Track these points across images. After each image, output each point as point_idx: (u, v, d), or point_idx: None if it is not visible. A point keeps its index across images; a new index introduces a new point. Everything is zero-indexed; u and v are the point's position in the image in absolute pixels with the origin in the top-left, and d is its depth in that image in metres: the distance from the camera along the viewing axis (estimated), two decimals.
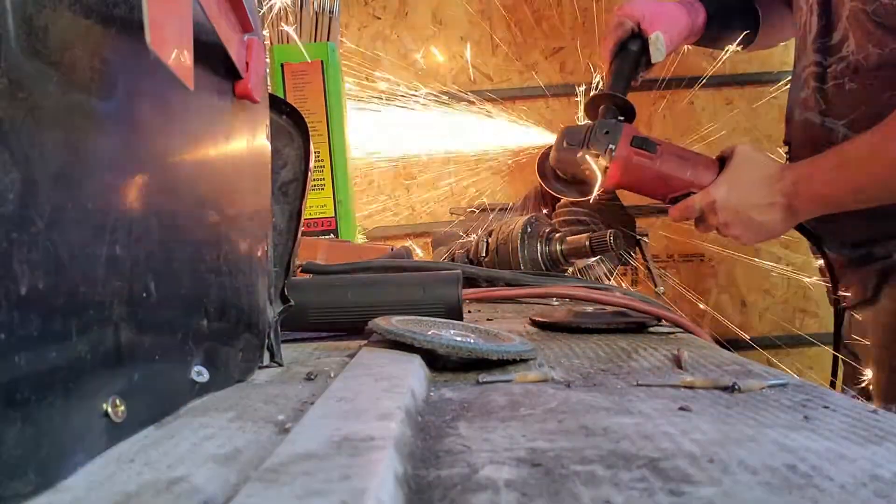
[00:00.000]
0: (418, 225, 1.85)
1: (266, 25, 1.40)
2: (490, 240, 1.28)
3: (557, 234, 1.25)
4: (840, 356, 1.11)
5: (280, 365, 0.52)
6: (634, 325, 0.69)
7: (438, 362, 0.50)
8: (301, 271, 0.84)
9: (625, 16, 1.16)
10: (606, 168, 1.06)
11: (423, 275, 0.72)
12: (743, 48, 1.32)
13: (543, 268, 1.23)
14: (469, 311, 0.86)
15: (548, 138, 1.48)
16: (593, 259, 1.27)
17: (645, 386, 0.44)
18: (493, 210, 1.59)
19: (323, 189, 1.36)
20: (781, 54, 1.78)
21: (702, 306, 1.71)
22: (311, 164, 0.58)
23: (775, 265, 1.75)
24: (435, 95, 1.71)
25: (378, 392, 0.37)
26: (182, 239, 0.39)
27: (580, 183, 1.14)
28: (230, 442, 0.33)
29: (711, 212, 1.03)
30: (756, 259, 1.77)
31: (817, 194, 0.97)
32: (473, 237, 1.38)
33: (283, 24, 1.38)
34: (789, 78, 1.19)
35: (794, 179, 0.98)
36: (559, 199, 1.46)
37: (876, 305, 1.04)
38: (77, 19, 0.29)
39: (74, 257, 0.28)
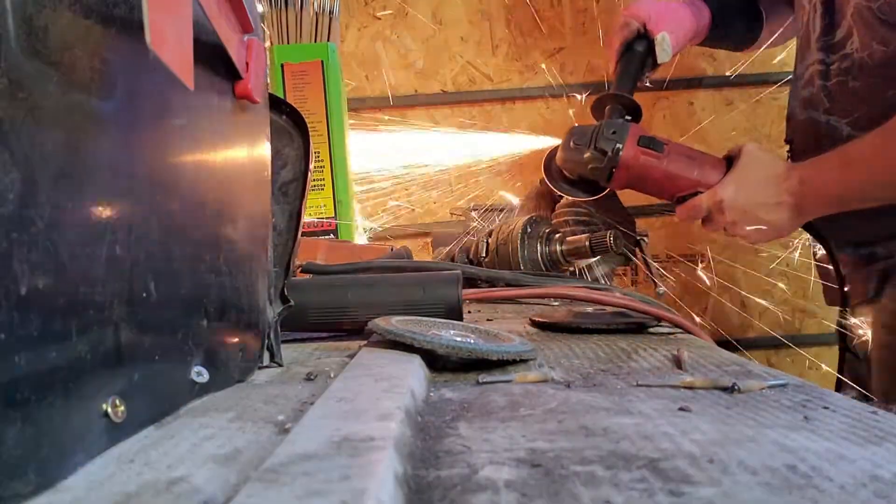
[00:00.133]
0: (418, 225, 1.85)
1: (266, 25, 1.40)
2: (490, 240, 1.28)
3: (557, 235, 1.25)
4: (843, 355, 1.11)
5: (280, 365, 0.52)
6: (634, 326, 0.69)
7: (438, 362, 0.50)
8: (301, 271, 0.84)
9: (630, 16, 1.16)
10: (613, 168, 1.06)
11: (423, 275, 0.72)
12: (746, 48, 1.32)
13: (543, 268, 1.23)
14: (469, 312, 0.86)
15: (544, 142, 1.48)
16: (594, 259, 1.27)
17: (645, 386, 0.44)
18: (493, 210, 1.59)
19: (323, 189, 1.36)
20: (782, 55, 1.78)
21: (702, 305, 1.71)
22: (311, 165, 0.58)
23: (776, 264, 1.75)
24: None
25: (378, 392, 0.37)
26: (182, 239, 0.39)
27: (587, 183, 1.14)
28: (230, 442, 0.33)
29: (719, 211, 1.02)
30: (756, 259, 1.77)
31: (824, 193, 0.97)
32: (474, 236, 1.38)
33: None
34: (789, 78, 1.19)
35: (801, 178, 0.98)
36: (559, 200, 1.46)
37: (877, 305, 1.04)
38: (77, 19, 0.29)
39: (74, 257, 0.28)
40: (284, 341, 0.57)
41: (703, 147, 1.21)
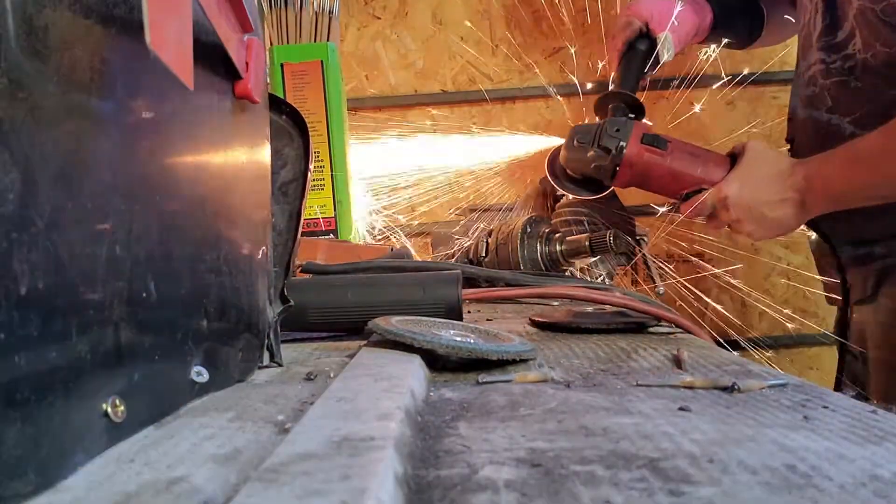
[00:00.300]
0: (418, 225, 1.84)
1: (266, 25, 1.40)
2: (490, 240, 1.28)
3: (557, 235, 1.25)
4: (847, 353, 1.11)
5: (280, 365, 0.52)
6: (634, 326, 0.69)
7: (438, 362, 0.50)
8: (301, 271, 0.84)
9: (633, 15, 1.16)
10: (617, 166, 1.06)
11: (423, 275, 0.72)
12: (748, 47, 1.32)
13: (543, 268, 1.23)
14: (469, 312, 0.86)
15: (544, 143, 1.48)
16: (593, 259, 1.27)
17: (645, 386, 0.44)
18: (492, 210, 1.59)
19: (323, 189, 1.36)
20: (781, 54, 1.78)
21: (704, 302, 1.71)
22: (311, 164, 0.58)
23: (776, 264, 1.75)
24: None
25: (378, 392, 0.37)
26: (182, 239, 0.39)
27: (591, 181, 1.14)
28: (230, 442, 0.33)
29: (723, 208, 1.02)
30: (756, 259, 1.77)
31: (830, 190, 0.97)
32: (474, 236, 1.38)
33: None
34: (790, 77, 1.19)
35: (805, 175, 0.98)
36: (559, 199, 1.46)
37: (875, 304, 1.04)
38: (77, 19, 0.29)
39: (74, 257, 0.28)
40: (284, 341, 0.57)
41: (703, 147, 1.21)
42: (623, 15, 1.18)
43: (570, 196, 1.35)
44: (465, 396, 0.42)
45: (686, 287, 1.69)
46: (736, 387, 0.42)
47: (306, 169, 0.58)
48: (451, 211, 1.71)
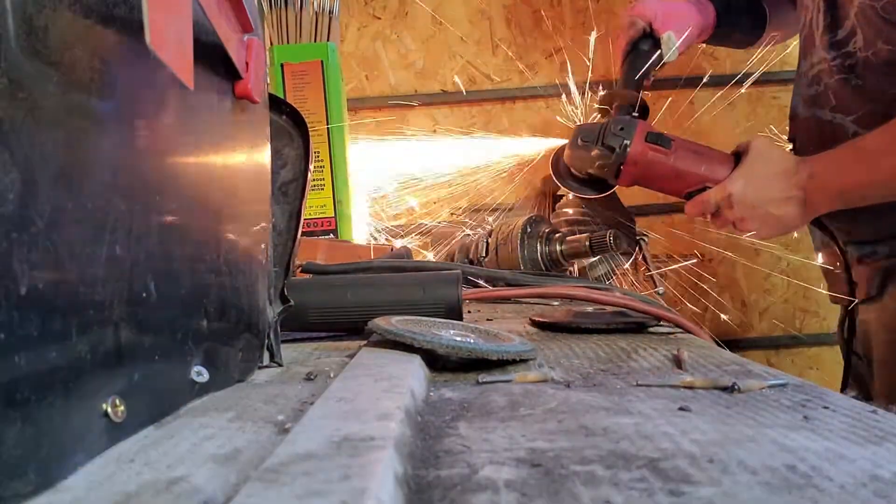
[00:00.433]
0: (418, 225, 1.84)
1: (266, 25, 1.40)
2: (490, 240, 1.28)
3: (557, 235, 1.25)
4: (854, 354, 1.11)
5: (280, 365, 0.52)
6: (634, 326, 0.69)
7: (438, 362, 0.50)
8: (301, 271, 0.84)
9: (637, 15, 1.16)
10: (621, 164, 1.06)
11: (423, 275, 0.72)
12: (751, 46, 1.32)
13: (543, 268, 1.23)
14: (469, 311, 0.86)
15: (544, 143, 1.48)
16: (593, 259, 1.27)
17: (645, 386, 0.44)
18: (492, 211, 1.59)
19: (323, 189, 1.36)
20: (782, 53, 1.78)
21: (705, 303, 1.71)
22: (311, 165, 0.58)
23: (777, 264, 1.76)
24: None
25: (378, 392, 0.37)
26: (182, 239, 0.39)
27: (595, 180, 1.14)
28: (230, 442, 0.33)
29: (727, 206, 1.02)
30: (756, 259, 1.77)
31: (835, 188, 0.97)
32: (473, 236, 1.38)
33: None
34: (790, 77, 1.19)
35: (810, 173, 0.97)
36: (559, 199, 1.46)
37: (880, 303, 1.03)
38: (77, 19, 0.29)
39: (74, 257, 0.28)
40: (284, 341, 0.57)
41: None
42: (627, 15, 1.18)
43: (571, 196, 1.35)
44: (465, 396, 0.42)
45: (686, 287, 1.69)
46: (736, 387, 0.42)
47: (306, 169, 0.58)
48: (450, 211, 1.70)
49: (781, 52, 1.75)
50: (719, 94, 1.78)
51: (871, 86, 0.98)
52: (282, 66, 1.35)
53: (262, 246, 0.51)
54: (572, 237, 1.23)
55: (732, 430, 0.34)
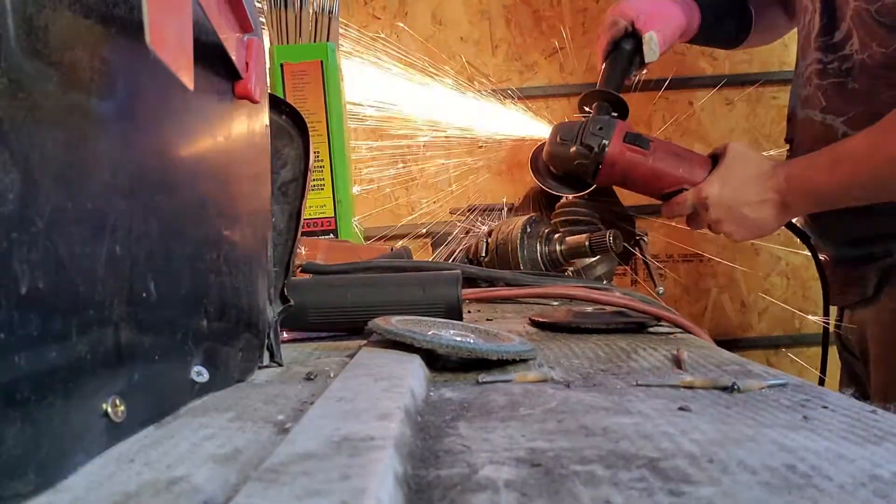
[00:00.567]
0: (418, 225, 1.84)
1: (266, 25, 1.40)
2: (489, 240, 1.28)
3: (557, 235, 1.25)
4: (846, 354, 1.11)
5: (280, 365, 0.52)
6: (634, 326, 0.69)
7: (438, 362, 0.50)
8: (301, 271, 0.84)
9: (619, 15, 1.16)
10: (599, 164, 1.07)
11: (423, 275, 0.72)
12: (736, 47, 1.32)
13: (543, 268, 1.23)
14: (469, 312, 0.86)
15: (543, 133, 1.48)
16: (593, 259, 1.27)
17: (644, 386, 0.44)
18: (492, 210, 1.59)
19: (322, 189, 1.35)
20: (781, 54, 1.78)
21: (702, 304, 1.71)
22: (311, 164, 0.58)
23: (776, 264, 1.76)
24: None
25: (378, 392, 0.37)
26: (182, 239, 0.39)
27: (573, 179, 1.15)
28: (230, 442, 0.33)
29: (703, 208, 1.03)
30: (755, 259, 1.77)
31: (810, 190, 0.98)
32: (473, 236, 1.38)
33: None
34: (789, 78, 1.19)
35: (786, 176, 0.98)
36: (559, 200, 1.46)
37: (876, 304, 1.04)
38: (77, 19, 0.29)
39: (74, 257, 0.28)
40: (284, 341, 0.57)
41: (701, 147, 1.21)
42: (609, 14, 1.18)
43: (570, 196, 1.35)
44: (465, 396, 0.42)
45: (686, 287, 1.69)
46: (736, 387, 0.42)
47: (306, 169, 0.58)
48: (450, 210, 1.70)
49: (781, 52, 1.75)
50: (719, 94, 1.78)
51: (864, 88, 0.98)
52: (281, 66, 1.35)
53: (262, 246, 0.51)
54: (572, 237, 1.23)
55: (732, 430, 0.34)
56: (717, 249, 1.74)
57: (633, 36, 1.15)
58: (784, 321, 1.82)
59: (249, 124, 0.49)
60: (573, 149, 1.08)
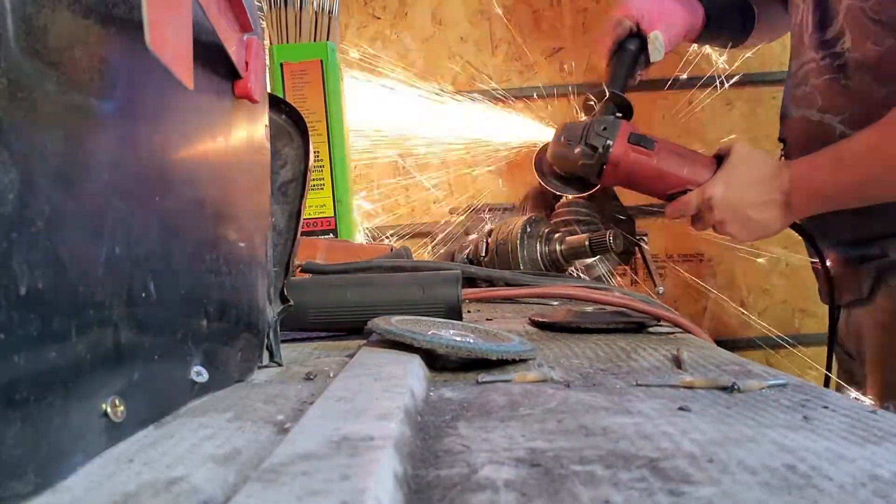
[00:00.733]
0: (418, 225, 1.84)
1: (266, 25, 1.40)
2: (489, 240, 1.28)
3: (557, 235, 1.25)
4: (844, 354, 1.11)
5: (279, 365, 0.52)
6: (634, 326, 0.69)
7: (438, 362, 0.50)
8: (300, 271, 0.84)
9: (623, 15, 1.16)
10: (604, 164, 1.07)
11: (423, 275, 0.72)
12: (739, 46, 1.32)
13: (543, 268, 1.23)
14: (469, 311, 0.86)
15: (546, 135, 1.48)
16: (593, 259, 1.27)
17: (644, 386, 0.44)
18: (492, 211, 1.59)
19: (322, 189, 1.36)
20: (780, 55, 1.78)
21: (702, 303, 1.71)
22: (311, 164, 0.58)
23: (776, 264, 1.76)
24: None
25: (377, 392, 0.37)
26: (181, 239, 0.39)
27: (577, 179, 1.15)
28: (229, 442, 0.33)
29: (708, 209, 1.03)
30: (756, 259, 1.77)
31: (815, 192, 0.97)
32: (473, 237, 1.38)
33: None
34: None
35: (791, 177, 0.98)
36: (559, 200, 1.46)
37: (872, 304, 1.04)
38: (77, 19, 0.29)
39: (74, 257, 0.28)
40: (284, 341, 0.57)
41: (701, 147, 1.21)
42: (614, 14, 1.18)
43: (570, 196, 1.35)
44: (465, 396, 0.42)
45: (686, 287, 1.69)
46: (736, 387, 0.42)
47: (306, 169, 0.58)
48: (450, 210, 1.70)
49: (780, 52, 1.75)
50: (719, 94, 1.78)
51: (858, 86, 0.98)
52: (281, 65, 1.35)
53: (262, 246, 0.51)
54: (572, 237, 1.24)
55: (732, 430, 0.34)
56: (717, 249, 1.74)
57: (637, 36, 1.15)
58: (784, 321, 1.82)
59: (249, 124, 0.49)
60: (577, 149, 1.08)
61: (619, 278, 1.43)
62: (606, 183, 1.11)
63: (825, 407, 0.38)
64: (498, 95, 1.87)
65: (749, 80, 1.79)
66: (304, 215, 0.59)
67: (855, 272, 1.06)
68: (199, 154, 0.42)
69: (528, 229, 1.24)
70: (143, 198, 0.34)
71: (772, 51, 1.68)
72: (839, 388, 1.07)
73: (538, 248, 1.23)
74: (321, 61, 1.36)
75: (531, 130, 1.61)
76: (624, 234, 1.19)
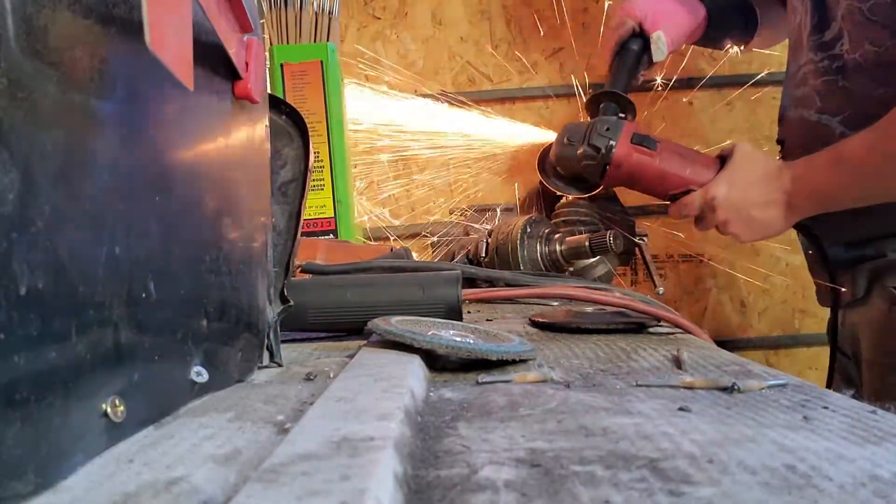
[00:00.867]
0: (418, 225, 1.84)
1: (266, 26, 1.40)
2: (489, 240, 1.28)
3: (557, 235, 1.25)
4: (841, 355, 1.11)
5: (280, 365, 0.52)
6: (634, 326, 0.69)
7: (438, 363, 0.50)
8: (300, 271, 0.84)
9: (626, 15, 1.16)
10: (607, 165, 1.07)
11: (423, 275, 0.72)
12: (742, 48, 1.32)
13: (543, 268, 1.23)
14: (469, 312, 0.86)
15: (547, 136, 1.48)
16: (593, 259, 1.27)
17: (644, 386, 0.44)
18: (492, 211, 1.59)
19: (322, 189, 1.36)
20: (780, 55, 1.78)
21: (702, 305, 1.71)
22: (311, 165, 0.58)
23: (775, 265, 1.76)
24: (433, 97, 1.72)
25: (377, 392, 0.37)
26: (181, 239, 0.39)
27: (580, 180, 1.15)
28: (230, 442, 0.33)
29: (710, 209, 1.03)
30: (755, 260, 1.77)
31: (817, 192, 0.97)
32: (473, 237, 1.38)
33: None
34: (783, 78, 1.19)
35: (793, 177, 0.98)
36: (558, 200, 1.46)
37: (867, 305, 1.04)
38: (77, 19, 0.29)
39: (74, 257, 0.28)
40: (284, 341, 0.57)
41: (701, 148, 1.21)
42: (616, 14, 1.19)
43: (570, 196, 1.35)
44: (465, 397, 0.42)
45: (686, 287, 1.69)
46: (736, 387, 0.42)
47: (306, 169, 0.58)
48: (450, 210, 1.70)
49: (781, 53, 1.75)
50: (719, 95, 1.78)
51: (856, 87, 0.98)
52: (281, 66, 1.35)
53: (262, 246, 0.51)
54: (572, 238, 1.24)
55: (732, 431, 0.34)
56: (717, 250, 1.74)
57: (640, 36, 1.16)
58: (784, 321, 1.82)
59: (249, 124, 0.49)
60: (580, 150, 1.08)
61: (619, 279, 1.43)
62: (609, 183, 1.11)
63: (825, 407, 0.38)
64: (498, 96, 1.87)
65: (749, 81, 1.79)
66: (305, 216, 0.59)
67: (851, 273, 1.06)
68: (199, 154, 0.42)
69: (528, 229, 1.24)
70: (143, 198, 0.34)
71: (771, 51, 1.68)
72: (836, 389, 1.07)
73: (538, 248, 1.23)
74: (321, 62, 1.36)
75: (531, 131, 1.61)
76: (624, 234, 1.19)
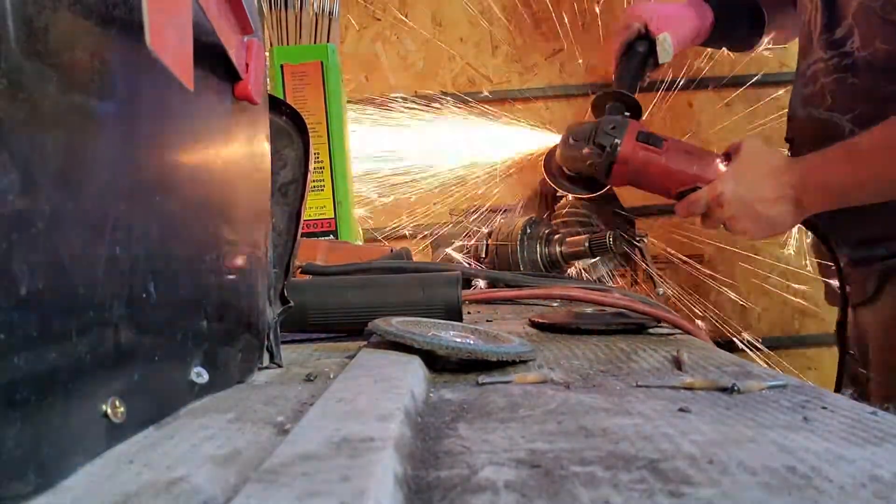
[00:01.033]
0: (418, 226, 1.84)
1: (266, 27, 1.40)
2: (489, 241, 1.28)
3: (556, 236, 1.26)
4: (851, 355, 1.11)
5: (280, 366, 0.52)
6: (634, 327, 0.69)
7: (438, 363, 0.50)
8: (300, 272, 0.84)
9: (633, 17, 1.16)
10: (612, 163, 1.06)
11: (423, 276, 0.72)
12: (749, 49, 1.32)
13: (543, 269, 1.23)
14: (468, 313, 0.86)
15: (548, 140, 1.48)
16: (593, 260, 1.27)
17: (644, 387, 0.44)
18: (492, 211, 1.59)
19: (322, 190, 1.36)
20: (780, 55, 1.78)
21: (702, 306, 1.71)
22: (311, 166, 0.58)
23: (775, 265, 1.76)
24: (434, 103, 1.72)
25: (377, 393, 0.37)
26: (181, 240, 0.39)
27: (587, 179, 1.14)
28: (230, 443, 0.33)
29: (718, 206, 1.02)
30: (755, 260, 1.77)
31: (826, 188, 0.96)
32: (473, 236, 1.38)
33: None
34: (788, 79, 1.19)
35: (802, 172, 0.97)
36: (558, 201, 1.46)
37: (876, 305, 1.03)
38: (77, 20, 0.29)
39: (74, 258, 0.28)
40: (284, 342, 0.57)
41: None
42: (623, 16, 1.19)
43: (570, 197, 1.36)
44: (465, 397, 0.42)
45: (686, 287, 1.69)
46: (736, 388, 0.42)
47: (306, 170, 0.58)
48: (450, 212, 1.70)
49: (781, 53, 1.75)
50: (718, 95, 1.78)
51: (867, 85, 0.98)
52: (281, 67, 1.35)
53: (262, 247, 0.51)
54: (572, 238, 1.24)
55: (732, 431, 0.34)
56: (717, 250, 1.74)
57: (646, 38, 1.16)
58: (784, 322, 1.82)
59: (249, 125, 0.49)
60: (586, 149, 1.08)
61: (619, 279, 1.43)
62: (615, 182, 1.11)
63: (825, 408, 0.38)
64: (498, 97, 1.87)
65: (748, 81, 1.79)
66: (305, 216, 0.59)
67: (861, 273, 1.05)
68: (199, 155, 0.42)
69: (528, 230, 1.24)
70: (143, 198, 0.34)
71: (771, 52, 1.68)
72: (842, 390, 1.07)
73: (538, 249, 1.23)
74: (321, 63, 1.36)
75: (531, 131, 1.61)
76: (624, 235, 1.19)
